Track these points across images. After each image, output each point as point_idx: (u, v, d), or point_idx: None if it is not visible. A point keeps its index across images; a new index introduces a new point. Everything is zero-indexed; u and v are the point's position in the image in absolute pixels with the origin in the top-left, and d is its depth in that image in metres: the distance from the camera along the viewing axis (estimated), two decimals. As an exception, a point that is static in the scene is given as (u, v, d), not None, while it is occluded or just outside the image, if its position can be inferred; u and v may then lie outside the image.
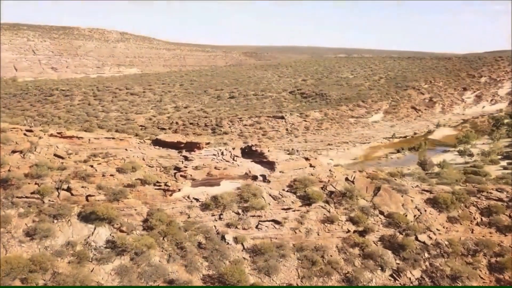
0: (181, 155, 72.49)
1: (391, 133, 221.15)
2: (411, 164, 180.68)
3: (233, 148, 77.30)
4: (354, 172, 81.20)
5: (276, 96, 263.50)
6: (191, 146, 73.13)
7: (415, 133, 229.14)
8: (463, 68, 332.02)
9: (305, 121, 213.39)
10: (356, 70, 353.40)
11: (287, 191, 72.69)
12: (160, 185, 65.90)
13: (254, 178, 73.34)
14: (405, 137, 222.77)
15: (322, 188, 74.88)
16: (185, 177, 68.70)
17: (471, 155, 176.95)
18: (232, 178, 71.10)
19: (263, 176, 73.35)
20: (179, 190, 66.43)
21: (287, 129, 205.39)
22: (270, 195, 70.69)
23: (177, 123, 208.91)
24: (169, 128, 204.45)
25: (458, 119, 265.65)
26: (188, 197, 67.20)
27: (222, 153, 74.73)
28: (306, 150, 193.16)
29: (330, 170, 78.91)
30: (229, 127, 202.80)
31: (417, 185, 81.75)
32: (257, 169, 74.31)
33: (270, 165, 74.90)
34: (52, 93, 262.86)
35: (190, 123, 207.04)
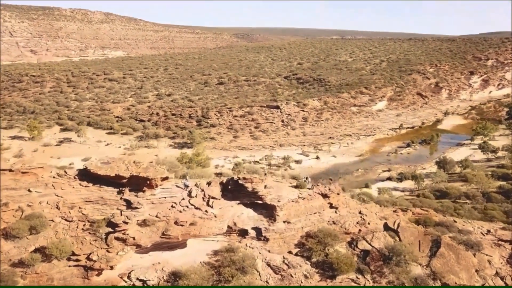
0: (121, 199, 42.66)
1: (398, 123, 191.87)
2: (425, 161, 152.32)
3: (209, 184, 47.13)
4: (395, 212, 51.75)
5: (270, 82, 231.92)
6: (139, 183, 43.28)
7: (423, 123, 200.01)
8: (468, 50, 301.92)
9: (302, 110, 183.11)
10: (355, 53, 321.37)
11: (297, 254, 43.41)
12: (78, 260, 36.24)
13: (243, 233, 43.98)
14: (412, 127, 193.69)
15: (350, 244, 45.68)
16: (124, 241, 38.92)
17: (494, 151, 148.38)
18: (205, 236, 41.54)
19: (257, 231, 43.91)
20: (111, 267, 36.72)
21: (283, 121, 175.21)
22: (268, 264, 41.32)
23: (157, 114, 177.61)
24: (149, 120, 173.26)
25: (466, 106, 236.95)
26: (129, 276, 37.62)
27: (190, 193, 44.90)
28: (304, 145, 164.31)
29: (360, 213, 49.39)
30: (217, 118, 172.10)
31: (488, 231, 52.67)
32: (248, 218, 44.75)
33: (269, 211, 45.34)
34: (21, 79, 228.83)
35: (173, 114, 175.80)
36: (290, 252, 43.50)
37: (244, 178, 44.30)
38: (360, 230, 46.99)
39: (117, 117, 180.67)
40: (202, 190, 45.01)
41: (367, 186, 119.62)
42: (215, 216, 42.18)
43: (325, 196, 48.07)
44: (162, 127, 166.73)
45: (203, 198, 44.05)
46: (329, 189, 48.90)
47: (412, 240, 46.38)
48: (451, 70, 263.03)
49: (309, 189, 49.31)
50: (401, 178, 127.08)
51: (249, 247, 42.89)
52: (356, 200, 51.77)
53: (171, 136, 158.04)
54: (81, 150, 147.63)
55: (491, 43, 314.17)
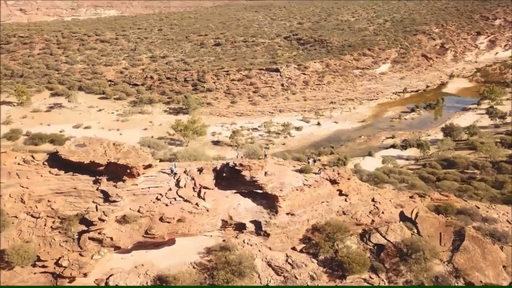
0: (98, 189, 36.16)
1: (402, 86, 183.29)
2: (430, 127, 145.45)
3: (200, 171, 40.37)
4: (411, 198, 45.47)
5: (269, 42, 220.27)
6: (118, 172, 36.61)
7: (427, 86, 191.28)
8: (476, 10, 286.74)
9: (303, 74, 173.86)
10: (358, 12, 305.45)
11: (302, 251, 37.50)
12: (45, 266, 30.21)
13: (240, 228, 37.87)
14: (417, 91, 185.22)
15: (362, 237, 39.75)
16: (100, 242, 32.71)
17: (502, 117, 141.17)
18: (196, 234, 35.36)
19: (257, 225, 37.77)
20: (85, 274, 30.74)
21: (282, 85, 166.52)
22: (269, 264, 35.45)
23: (152, 77, 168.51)
24: (143, 84, 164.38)
25: (471, 68, 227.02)
26: (107, 282, 31.76)
27: (178, 182, 38.30)
28: (305, 110, 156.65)
29: (373, 201, 43.08)
30: (214, 82, 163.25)
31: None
32: (245, 210, 38.47)
33: (270, 201, 39.00)
34: (9, 40, 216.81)
35: (167, 78, 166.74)
36: (294, 249, 37.64)
37: (241, 165, 37.64)
38: (373, 220, 40.94)
39: (110, 81, 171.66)
40: (192, 179, 38.42)
41: (370, 154, 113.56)
42: (207, 210, 35.85)
43: (333, 182, 41.63)
44: (157, 91, 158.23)
45: (193, 188, 37.55)
46: (338, 173, 42.36)
47: (432, 232, 40.46)
48: (458, 31, 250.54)
49: (316, 173, 42.77)
50: (405, 145, 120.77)
51: (247, 243, 36.94)
52: (368, 185, 45.54)
53: (166, 101, 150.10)
54: (72, 116, 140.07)
55: (500, 1, 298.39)
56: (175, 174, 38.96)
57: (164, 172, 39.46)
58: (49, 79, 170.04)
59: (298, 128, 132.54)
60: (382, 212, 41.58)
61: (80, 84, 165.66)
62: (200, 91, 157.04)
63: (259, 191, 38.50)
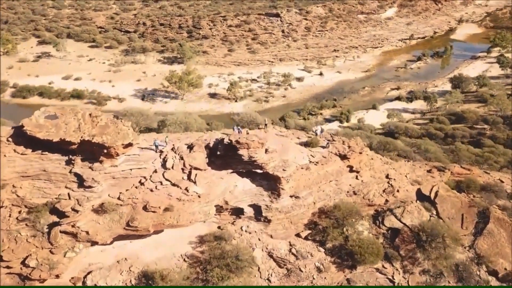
0: (71, 172, 30.69)
1: (408, 33, 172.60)
2: (437, 77, 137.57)
3: (190, 148, 34.57)
4: (429, 173, 40.12)
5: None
6: (94, 151, 30.89)
7: (435, 32, 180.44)
8: None
9: (305, 19, 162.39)
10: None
11: (307, 238, 32.85)
12: (9, 267, 25.56)
13: (237, 213, 32.91)
14: (423, 37, 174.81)
15: (375, 220, 35.00)
16: (74, 236, 27.81)
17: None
18: (186, 225, 30.32)
19: (256, 209, 32.78)
20: (57, 276, 26.14)
21: (283, 31, 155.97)
22: (270, 255, 30.89)
23: (144, 24, 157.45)
24: (135, 31, 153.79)
25: (481, 12, 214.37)
26: (84, 281, 27.30)
27: (165, 162, 32.62)
28: (307, 59, 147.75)
29: (388, 177, 37.81)
30: (210, 29, 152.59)
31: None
32: (243, 192, 33.26)
33: (271, 182, 33.69)
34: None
35: (161, 24, 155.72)
36: (298, 236, 32.96)
37: (237, 142, 31.85)
38: (387, 200, 36.02)
39: (100, 27, 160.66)
40: (181, 158, 32.79)
41: (374, 107, 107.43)
42: (199, 197, 30.63)
43: (343, 157, 36.11)
44: (150, 39, 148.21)
45: (182, 170, 32.05)
46: (349, 146, 36.72)
47: (453, 214, 35.68)
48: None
49: (323, 147, 37.14)
50: (411, 97, 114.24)
51: (245, 231, 32.20)
52: (381, 157, 39.92)
53: (160, 49, 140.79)
54: (61, 66, 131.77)
55: None
56: (161, 151, 33.32)
57: (150, 148, 33.80)
58: (35, 26, 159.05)
59: (299, 79, 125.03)
60: (397, 191, 36.56)
61: (68, 31, 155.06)
62: (195, 39, 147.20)
63: (258, 170, 33.14)
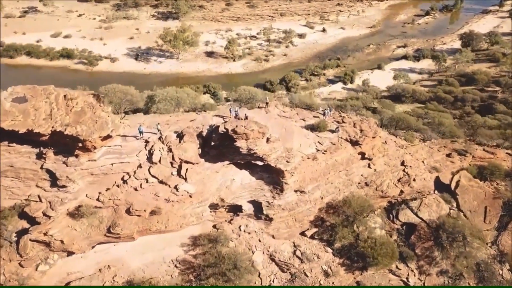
0: (42, 168, 26.19)
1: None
2: (445, 33, 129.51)
3: (180, 137, 29.67)
4: (449, 158, 35.65)
5: None
6: (68, 143, 26.15)
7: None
8: None
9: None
10: None
11: (313, 237, 29.01)
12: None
13: (235, 210, 28.84)
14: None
15: (388, 213, 31.07)
16: (47, 245, 23.85)
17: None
18: (175, 230, 26.24)
19: (256, 206, 28.68)
20: (30, 294, 22.34)
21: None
22: (272, 258, 27.18)
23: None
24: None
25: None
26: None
27: (151, 155, 27.83)
28: (309, 14, 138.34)
29: (403, 164, 33.38)
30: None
31: None
32: (241, 187, 28.93)
33: (273, 175, 29.27)
34: None
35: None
36: (303, 234, 29.11)
37: (234, 132, 26.97)
38: (402, 191, 31.88)
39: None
40: (170, 150, 28.10)
41: (379, 67, 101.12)
42: (191, 196, 26.40)
43: (355, 143, 31.53)
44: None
45: (171, 164, 27.52)
46: (361, 130, 32.00)
47: (475, 207, 31.71)
48: None
49: (333, 131, 32.38)
50: (418, 56, 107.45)
51: (244, 231, 28.29)
52: (396, 140, 35.00)
53: (154, 4, 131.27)
54: (49, 23, 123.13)
55: None
56: (147, 141, 28.62)
57: (135, 136, 29.10)
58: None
59: (301, 36, 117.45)
60: (414, 179, 32.35)
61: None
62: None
63: (259, 162, 28.72)
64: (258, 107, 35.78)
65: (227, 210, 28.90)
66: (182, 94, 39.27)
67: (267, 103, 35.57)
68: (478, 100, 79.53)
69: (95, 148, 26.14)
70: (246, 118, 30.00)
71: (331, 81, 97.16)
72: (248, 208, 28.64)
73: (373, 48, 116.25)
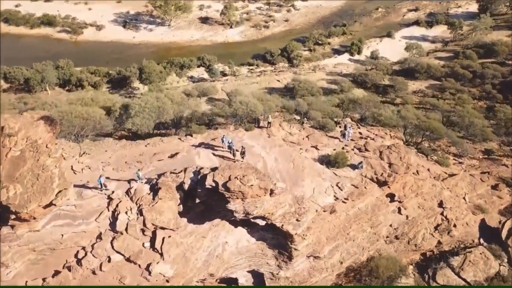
0: None
1: None
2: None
3: (155, 192, 21.69)
4: (496, 190, 28.03)
5: None
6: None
7: None
8: None
9: None
10: None
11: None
12: None
13: (229, 282, 21.74)
14: None
15: (422, 272, 24.05)
16: None
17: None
18: None
19: (257, 278, 21.58)
20: None
21: None
22: None
23: None
24: None
25: None
26: None
27: (115, 219, 20.13)
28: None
29: (441, 205, 25.76)
30: None
31: None
32: (237, 252, 21.56)
33: (279, 237, 21.88)
34: None
35: None
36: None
37: (227, 188, 19.00)
38: (439, 242, 24.73)
39: None
40: (141, 212, 20.39)
41: (389, 35, 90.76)
42: (167, 281, 19.16)
43: (383, 183, 23.97)
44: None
45: (142, 231, 19.92)
46: (390, 164, 24.24)
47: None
48: None
49: (354, 167, 24.52)
50: (431, 22, 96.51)
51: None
52: (430, 165, 27.00)
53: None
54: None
55: None
56: (110, 198, 20.90)
57: (96, 188, 21.37)
58: None
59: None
60: (454, 225, 25.08)
61: None
62: None
63: (260, 222, 21.29)
64: (258, 126, 27.79)
65: (218, 281, 21.90)
66: (165, 101, 31.01)
67: (269, 123, 27.52)
68: (499, 76, 70.57)
69: (34, 218, 18.60)
70: (243, 153, 22.26)
71: (337, 51, 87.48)
72: (245, 280, 21.60)
73: (382, 12, 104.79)
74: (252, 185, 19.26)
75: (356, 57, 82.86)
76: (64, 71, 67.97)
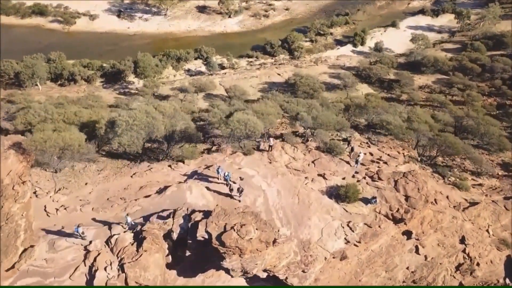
0: None
1: None
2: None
3: (139, 243, 18.52)
4: None
5: None
6: None
7: None
8: None
9: None
10: None
11: None
12: None
13: None
14: None
15: None
16: None
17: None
18: None
19: None
20: None
21: None
22: None
23: None
24: None
25: None
26: None
27: (92, 275, 17.18)
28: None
29: (463, 241, 22.85)
30: None
31: None
32: None
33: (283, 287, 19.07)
34: None
35: None
36: None
37: (221, 243, 15.87)
38: (461, 283, 21.94)
39: None
40: (122, 268, 17.03)
41: (394, 24, 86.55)
42: None
43: (399, 220, 20.93)
44: None
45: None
46: (406, 197, 21.14)
47: None
48: None
49: (367, 202, 21.44)
50: (437, 10, 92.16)
51: None
52: (449, 191, 23.91)
53: None
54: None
55: None
56: (87, 250, 17.74)
57: (72, 235, 18.24)
58: None
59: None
60: (477, 264, 22.20)
61: None
62: None
63: (261, 274, 18.34)
64: (259, 149, 24.59)
65: (214, 338, 19.10)
66: (155, 116, 27.74)
67: (270, 146, 24.30)
68: (509, 70, 67.30)
69: (-4, 282, 15.64)
70: (241, 191, 19.18)
71: (339, 42, 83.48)
72: (244, 338, 18.85)
73: (386, 0, 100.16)
74: (251, 238, 16.19)
75: (360, 48, 78.92)
76: (56, 65, 64.22)
